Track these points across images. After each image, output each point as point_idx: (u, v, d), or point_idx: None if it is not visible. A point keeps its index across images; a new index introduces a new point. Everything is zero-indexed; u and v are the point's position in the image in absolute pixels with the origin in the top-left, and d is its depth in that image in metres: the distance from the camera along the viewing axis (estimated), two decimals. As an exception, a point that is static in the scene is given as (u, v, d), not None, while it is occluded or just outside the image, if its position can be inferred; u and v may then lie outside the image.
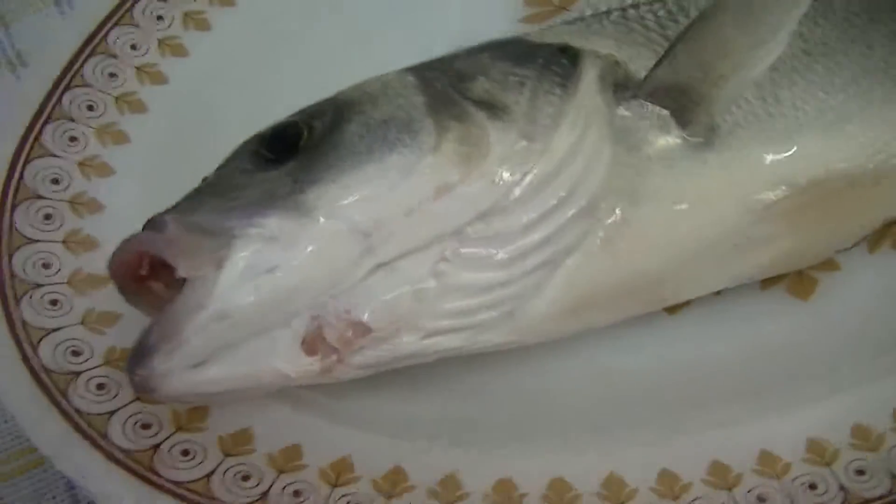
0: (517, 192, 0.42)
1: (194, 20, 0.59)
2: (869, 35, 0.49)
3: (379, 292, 0.42)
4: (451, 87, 0.44)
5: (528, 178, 0.43)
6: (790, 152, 0.46)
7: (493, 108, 0.43)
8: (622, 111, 0.45)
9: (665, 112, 0.45)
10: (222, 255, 0.40)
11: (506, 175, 0.42)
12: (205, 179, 0.45)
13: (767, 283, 0.49)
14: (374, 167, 0.42)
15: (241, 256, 0.40)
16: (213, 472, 0.44)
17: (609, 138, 0.44)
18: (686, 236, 0.45)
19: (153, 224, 0.42)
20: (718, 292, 0.48)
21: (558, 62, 0.45)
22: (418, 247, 0.42)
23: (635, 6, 0.50)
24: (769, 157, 0.46)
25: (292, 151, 0.43)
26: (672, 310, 0.49)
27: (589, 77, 0.45)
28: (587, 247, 0.43)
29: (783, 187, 0.45)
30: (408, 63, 0.48)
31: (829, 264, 0.50)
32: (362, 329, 0.42)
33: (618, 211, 0.44)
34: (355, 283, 0.41)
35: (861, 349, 0.48)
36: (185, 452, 0.44)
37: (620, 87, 0.45)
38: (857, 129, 0.47)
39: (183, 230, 0.41)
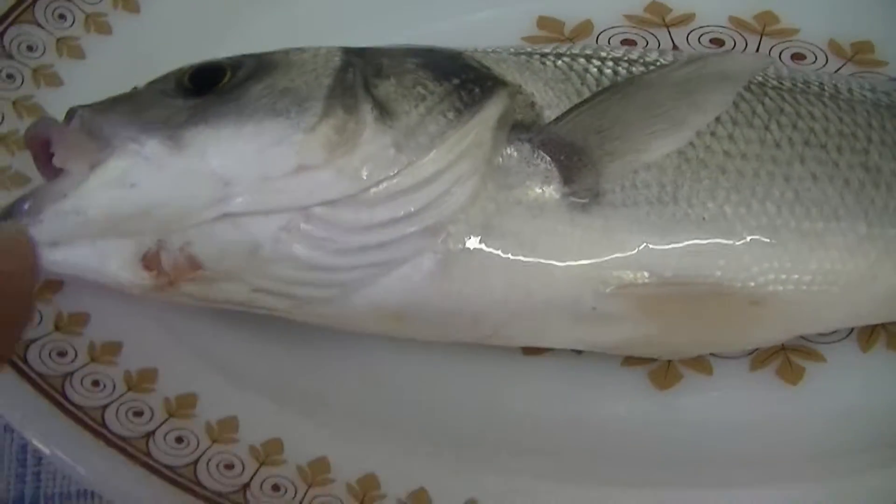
0: (371, 193, 0.45)
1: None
2: (795, 159, 0.48)
3: (219, 238, 0.45)
4: (363, 78, 0.47)
5: (385, 185, 0.45)
6: (665, 245, 0.46)
7: (384, 111, 0.46)
8: (510, 150, 0.46)
9: (552, 164, 0.46)
10: (99, 160, 0.45)
11: (364, 174, 0.45)
12: (134, 88, 0.49)
13: (756, 364, 0.52)
14: (252, 127, 0.45)
15: (113, 166, 0.45)
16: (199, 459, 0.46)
17: (483, 171, 0.46)
18: (522, 286, 0.46)
19: (70, 112, 0.47)
20: (710, 371, 0.51)
21: (471, 90, 0.47)
22: (266, 210, 0.45)
23: (589, 57, 0.51)
24: (642, 241, 0.46)
25: (207, 89, 0.47)
26: (664, 384, 0.51)
27: (489, 112, 0.47)
28: (421, 264, 0.46)
29: (645, 273, 0.46)
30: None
31: (813, 355, 0.52)
32: (195, 264, 0.45)
33: (465, 240, 0.46)
34: (202, 222, 0.45)
35: (840, 443, 0.49)
36: (179, 440, 0.46)
37: (520, 127, 0.47)
38: (747, 246, 0.47)
39: (82, 126, 0.46)
